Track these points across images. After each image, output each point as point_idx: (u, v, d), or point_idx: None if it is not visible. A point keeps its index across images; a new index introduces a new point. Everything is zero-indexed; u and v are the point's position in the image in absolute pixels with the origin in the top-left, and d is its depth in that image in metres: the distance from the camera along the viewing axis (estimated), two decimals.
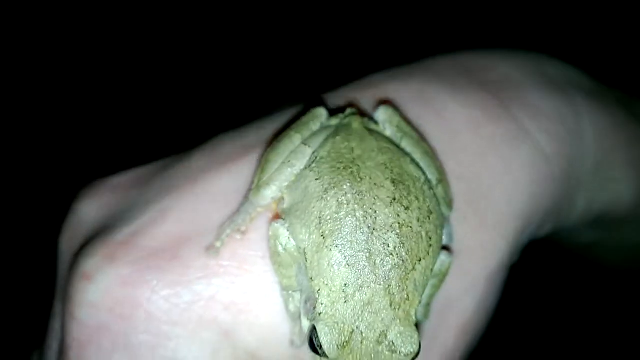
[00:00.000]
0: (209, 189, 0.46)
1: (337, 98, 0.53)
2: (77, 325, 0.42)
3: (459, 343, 0.49)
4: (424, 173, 0.45)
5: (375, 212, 0.39)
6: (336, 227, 0.38)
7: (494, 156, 0.52)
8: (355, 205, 0.39)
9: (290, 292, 0.42)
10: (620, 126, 0.60)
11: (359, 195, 0.39)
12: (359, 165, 0.41)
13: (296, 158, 0.44)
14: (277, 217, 0.43)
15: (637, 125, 0.63)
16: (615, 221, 0.65)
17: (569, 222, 0.62)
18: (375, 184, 0.40)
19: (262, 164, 0.45)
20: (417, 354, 0.38)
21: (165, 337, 0.41)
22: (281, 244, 0.41)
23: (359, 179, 0.40)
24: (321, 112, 0.47)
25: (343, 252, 0.38)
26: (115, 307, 0.41)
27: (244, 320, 0.42)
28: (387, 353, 0.38)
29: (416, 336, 0.38)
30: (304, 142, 0.44)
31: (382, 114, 0.48)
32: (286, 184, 0.43)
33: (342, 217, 0.39)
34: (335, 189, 0.40)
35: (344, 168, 0.41)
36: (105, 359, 0.41)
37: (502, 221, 0.51)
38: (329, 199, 0.39)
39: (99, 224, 0.48)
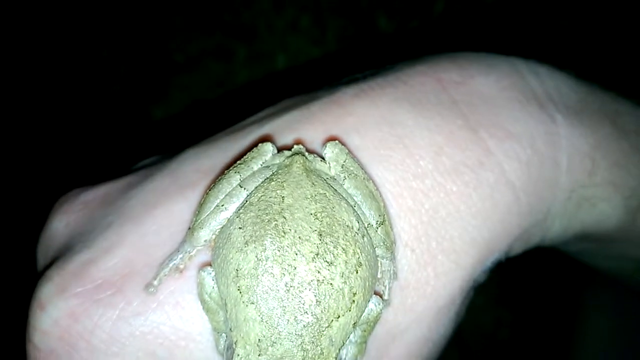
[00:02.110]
0: (163, 218, 0.48)
1: (297, 121, 0.53)
2: (33, 348, 0.46)
3: None
4: (360, 219, 0.45)
5: (295, 268, 0.40)
6: (252, 284, 0.39)
7: (453, 184, 0.51)
8: (274, 263, 0.40)
9: (219, 332, 0.44)
10: (606, 144, 0.57)
11: (279, 251, 0.40)
12: (285, 217, 0.41)
13: (230, 201, 0.44)
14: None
15: (627, 141, 0.59)
16: (603, 238, 0.63)
17: (546, 242, 0.60)
18: (299, 238, 0.41)
19: (199, 204, 0.46)
20: None
21: None
22: (206, 292, 0.42)
23: (282, 233, 0.41)
24: (267, 149, 0.47)
25: (258, 308, 0.39)
26: (63, 336, 0.45)
27: (179, 355, 0.45)
28: None
29: None
30: (241, 184, 0.45)
31: (329, 152, 0.47)
32: (218, 227, 0.44)
33: (259, 274, 0.39)
34: (256, 243, 0.40)
35: (268, 220, 0.41)
36: None
37: (457, 250, 0.50)
38: (248, 252, 0.40)
39: (65, 241, 0.51)
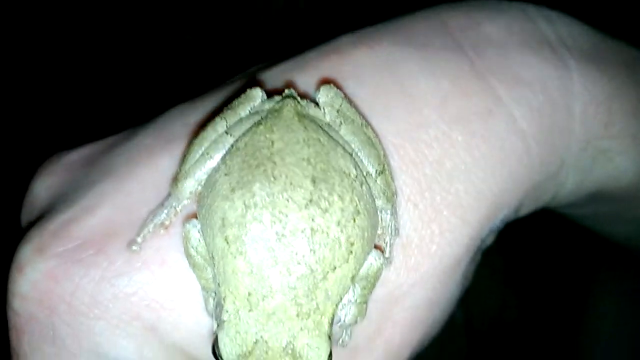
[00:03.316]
0: (148, 173, 0.45)
1: (290, 68, 0.50)
2: (13, 314, 0.44)
3: (407, 339, 0.47)
4: (358, 167, 0.41)
5: (287, 216, 0.36)
6: (240, 233, 0.36)
7: (459, 134, 0.47)
8: (263, 210, 0.36)
9: (208, 291, 0.41)
10: (622, 92, 0.53)
11: (268, 197, 0.37)
12: (275, 162, 0.38)
13: (216, 149, 0.41)
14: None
15: None
16: (620, 195, 0.59)
17: (558, 200, 0.57)
18: (291, 184, 0.37)
19: (183, 155, 0.43)
20: None
21: (89, 331, 0.42)
22: (192, 246, 0.39)
23: (272, 179, 0.37)
24: (256, 94, 0.44)
25: (247, 259, 0.36)
26: (43, 300, 0.42)
27: (167, 317, 0.42)
28: None
29: (325, 348, 0.36)
30: (227, 131, 0.42)
31: (323, 96, 0.44)
32: (205, 177, 0.41)
33: (247, 221, 0.36)
34: (243, 189, 0.37)
35: (256, 165, 0.38)
36: (36, 347, 0.43)
37: (464, 205, 0.47)
38: (235, 200, 0.37)
39: (47, 203, 0.49)
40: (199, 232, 0.39)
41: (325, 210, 0.37)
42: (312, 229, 0.36)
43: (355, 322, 0.43)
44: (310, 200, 0.37)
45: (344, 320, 0.43)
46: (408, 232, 0.45)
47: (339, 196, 0.38)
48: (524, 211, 0.55)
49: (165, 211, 0.42)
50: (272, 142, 0.39)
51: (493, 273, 1.25)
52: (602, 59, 0.54)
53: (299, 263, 0.36)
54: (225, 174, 0.38)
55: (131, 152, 0.47)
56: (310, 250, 0.36)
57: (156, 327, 0.42)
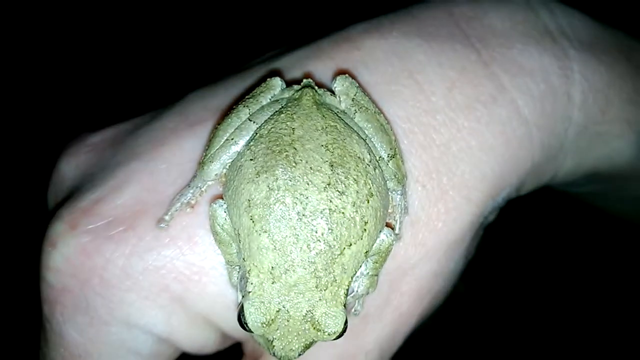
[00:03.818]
0: (173, 154, 0.47)
1: (306, 57, 0.52)
2: (46, 286, 0.46)
3: (414, 308, 0.51)
4: (371, 152, 0.44)
5: (307, 197, 0.39)
6: (265, 213, 0.39)
7: (465, 120, 0.50)
8: (286, 192, 0.39)
9: (232, 266, 0.44)
10: (620, 81, 0.56)
11: (290, 180, 0.40)
12: (295, 148, 0.41)
13: (240, 135, 0.44)
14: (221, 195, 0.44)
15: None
16: (616, 176, 0.63)
17: (558, 180, 0.60)
18: (310, 168, 0.40)
19: (209, 139, 0.46)
20: (341, 334, 0.40)
21: (120, 302, 0.45)
22: (219, 224, 0.42)
23: (293, 164, 0.40)
24: (276, 83, 0.47)
25: (271, 237, 0.39)
26: (76, 273, 0.45)
27: (193, 289, 0.45)
28: (312, 331, 0.40)
29: (341, 316, 0.40)
30: (250, 118, 0.44)
31: (339, 85, 0.47)
32: (229, 161, 0.44)
33: (271, 203, 0.39)
34: (267, 173, 0.40)
35: (279, 151, 0.41)
36: (69, 317, 0.46)
37: (468, 186, 0.50)
38: (259, 182, 0.40)
39: (74, 182, 0.51)
40: (224, 211, 0.42)
41: (342, 193, 0.40)
42: (330, 210, 0.40)
43: (367, 292, 0.47)
44: (329, 184, 0.40)
45: (357, 291, 0.46)
46: (416, 211, 0.48)
47: (355, 180, 0.41)
48: (525, 190, 0.58)
49: (192, 191, 0.45)
50: (293, 130, 0.42)
51: (492, 246, 1.28)
52: (601, 49, 0.56)
53: (318, 240, 0.39)
54: (251, 159, 0.41)
55: (156, 134, 0.49)
56: (329, 228, 0.39)
57: (183, 297, 0.46)
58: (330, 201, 0.40)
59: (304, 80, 0.46)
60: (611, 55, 0.57)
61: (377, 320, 0.50)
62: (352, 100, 0.46)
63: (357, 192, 0.41)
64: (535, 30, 0.55)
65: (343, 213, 0.40)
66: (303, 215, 0.39)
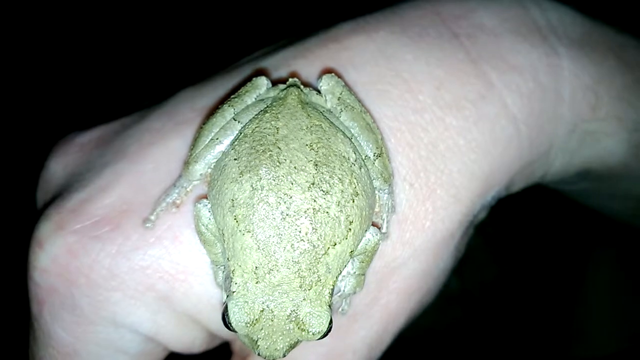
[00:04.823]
0: (160, 155, 0.48)
1: (293, 56, 0.52)
2: (34, 286, 0.47)
3: (402, 306, 0.51)
4: (357, 151, 0.44)
5: (291, 197, 0.39)
6: (248, 213, 0.39)
7: (453, 118, 0.50)
8: (269, 192, 0.39)
9: (217, 265, 0.44)
10: (609, 78, 0.56)
11: (274, 180, 0.40)
12: (279, 148, 0.41)
13: (224, 134, 0.44)
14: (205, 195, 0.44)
15: (632, 74, 0.58)
16: (608, 174, 0.63)
17: (549, 178, 0.60)
18: (295, 168, 0.40)
19: (194, 139, 0.46)
20: (325, 334, 0.40)
21: (107, 301, 0.45)
22: (203, 224, 0.42)
23: (277, 163, 0.40)
24: (261, 83, 0.46)
25: (254, 236, 0.39)
26: (62, 273, 0.45)
27: (179, 288, 0.46)
28: (297, 331, 0.40)
29: (325, 316, 0.40)
30: (235, 117, 0.44)
31: (324, 84, 0.47)
32: (214, 160, 0.44)
33: (255, 202, 0.39)
34: (251, 172, 0.40)
35: (263, 151, 0.41)
36: (57, 316, 0.46)
37: (456, 185, 0.50)
38: (243, 182, 0.40)
39: (63, 182, 0.51)
40: (209, 211, 0.42)
41: (327, 192, 0.40)
42: (314, 209, 0.39)
43: (354, 292, 0.47)
44: (313, 183, 0.40)
45: (344, 291, 0.46)
46: (404, 210, 0.48)
47: (339, 179, 0.41)
48: (516, 188, 0.58)
49: (177, 191, 0.45)
50: (277, 129, 0.42)
51: (488, 244, 1.28)
52: (592, 46, 0.56)
53: (302, 240, 0.39)
54: (235, 159, 0.41)
55: (143, 134, 0.49)
56: (313, 228, 0.39)
57: (169, 296, 0.46)
58: (315, 201, 0.40)
59: (290, 80, 0.46)
60: (601, 52, 0.56)
61: (365, 318, 0.50)
62: (338, 99, 0.46)
63: (342, 191, 0.41)
64: (525, 27, 0.55)
65: (327, 212, 0.40)
66: (287, 215, 0.39)
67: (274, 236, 0.39)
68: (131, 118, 0.53)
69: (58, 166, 0.53)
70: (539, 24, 0.56)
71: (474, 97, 0.51)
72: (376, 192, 0.46)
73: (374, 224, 0.46)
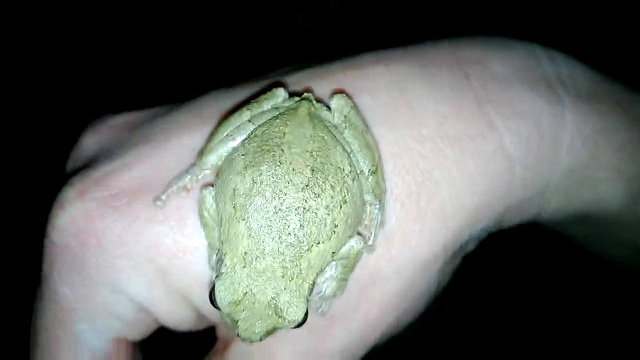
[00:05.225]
0: (180, 144, 0.53)
1: (314, 75, 0.56)
2: (49, 244, 0.51)
3: (381, 318, 0.54)
4: (352, 165, 0.48)
5: (285, 194, 0.44)
6: (246, 202, 0.44)
7: (451, 150, 0.53)
8: (267, 186, 0.44)
9: (213, 249, 0.48)
10: (613, 130, 0.59)
11: (273, 177, 0.44)
12: (282, 150, 0.45)
13: (238, 133, 0.49)
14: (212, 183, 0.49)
15: (637, 129, 0.60)
16: (606, 220, 0.65)
17: (544, 217, 0.62)
18: (293, 169, 0.45)
19: (211, 134, 0.51)
20: (300, 323, 0.44)
21: (111, 266, 0.50)
22: (205, 209, 0.47)
23: (278, 163, 0.45)
24: (279, 93, 0.51)
25: (248, 225, 0.43)
26: (77, 233, 0.50)
27: (176, 265, 0.50)
28: (274, 317, 0.43)
29: (302, 307, 0.43)
30: (250, 119, 0.49)
31: (335, 103, 0.51)
32: (225, 154, 0.49)
33: (253, 194, 0.44)
34: (254, 167, 0.45)
35: (267, 150, 0.45)
36: (65, 274, 0.51)
37: (446, 211, 0.53)
38: (246, 175, 0.44)
39: (92, 156, 0.57)
40: (212, 198, 0.47)
41: (318, 195, 0.44)
42: (304, 208, 0.44)
43: (334, 295, 0.50)
44: (307, 185, 0.44)
45: (325, 292, 0.50)
46: (392, 227, 0.52)
47: (331, 186, 0.45)
48: (507, 224, 0.61)
49: (189, 177, 0.50)
50: (284, 134, 0.46)
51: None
52: (597, 99, 0.59)
53: (289, 234, 0.43)
54: (242, 155, 0.46)
55: (169, 125, 0.55)
56: (300, 225, 0.43)
57: (167, 271, 0.50)
58: (306, 201, 0.44)
59: (305, 94, 0.51)
60: (607, 105, 0.59)
61: (344, 323, 0.53)
62: (344, 117, 0.50)
63: (332, 197, 0.45)
64: (534, 77, 0.58)
65: (315, 213, 0.44)
66: (279, 209, 0.43)
67: (264, 227, 0.43)
68: (162, 109, 0.59)
69: (90, 141, 0.59)
70: (549, 75, 0.59)
71: (475, 134, 0.54)
72: (367, 206, 0.50)
73: (361, 234, 0.49)
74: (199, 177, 0.50)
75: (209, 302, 0.46)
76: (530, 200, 0.58)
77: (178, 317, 0.53)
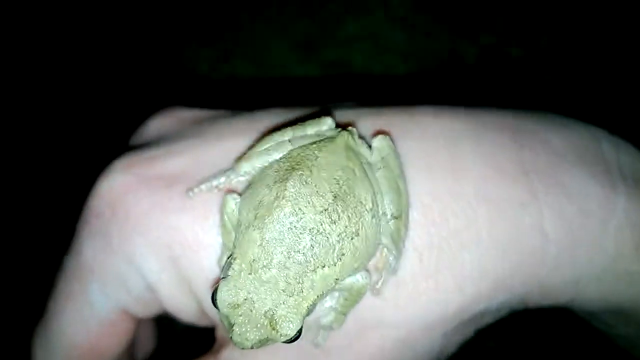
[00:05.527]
0: (226, 148, 0.56)
1: (366, 114, 0.57)
2: (86, 206, 0.56)
3: None
4: (376, 204, 0.49)
5: (304, 214, 0.45)
6: (265, 214, 0.46)
7: (486, 212, 0.52)
8: (288, 202, 0.46)
9: (225, 250, 0.51)
10: None
11: (296, 195, 0.46)
12: (311, 172, 0.47)
13: (276, 149, 0.51)
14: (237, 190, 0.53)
15: None
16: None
17: (578, 306, 0.59)
18: (317, 192, 0.46)
19: (252, 145, 0.54)
20: (292, 339, 0.44)
21: (132, 241, 0.53)
22: (226, 213, 0.50)
23: (304, 183, 0.46)
24: (325, 122, 0.53)
25: (262, 235, 0.45)
26: (111, 203, 0.54)
27: (189, 255, 0.53)
28: (268, 327, 0.44)
29: (297, 323, 0.44)
30: (290, 140, 0.52)
31: (377, 142, 0.52)
32: (259, 166, 0.51)
33: (274, 207, 0.46)
34: (281, 183, 0.47)
35: (297, 169, 0.47)
36: (91, 237, 0.55)
37: (465, 275, 0.51)
38: (272, 190, 0.47)
39: (151, 138, 0.62)
40: (235, 204, 0.49)
41: (334, 222, 0.46)
42: (317, 231, 0.45)
43: (331, 327, 0.51)
44: (326, 210, 0.46)
45: (323, 322, 0.51)
46: (405, 276, 0.51)
47: (348, 217, 0.46)
48: (533, 304, 0.57)
49: (223, 178, 0.53)
50: (317, 158, 0.48)
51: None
52: None
53: (298, 251, 0.45)
54: (275, 172, 0.49)
55: (223, 129, 0.58)
56: (311, 245, 0.45)
57: (179, 259, 0.53)
58: (321, 224, 0.45)
59: (349, 127, 0.53)
60: None
61: (336, 357, 0.53)
62: (382, 159, 0.52)
63: (346, 227, 0.46)
64: (591, 157, 0.56)
65: (327, 238, 0.45)
66: (295, 226, 0.45)
67: (277, 239, 0.45)
68: (224, 113, 0.63)
69: (154, 125, 0.64)
70: (607, 158, 0.56)
71: (513, 202, 0.52)
72: (384, 249, 0.50)
73: (369, 272, 0.50)
74: (232, 180, 0.53)
75: (210, 299, 0.47)
76: (562, 286, 0.55)
77: (180, 306, 0.55)
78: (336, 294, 0.50)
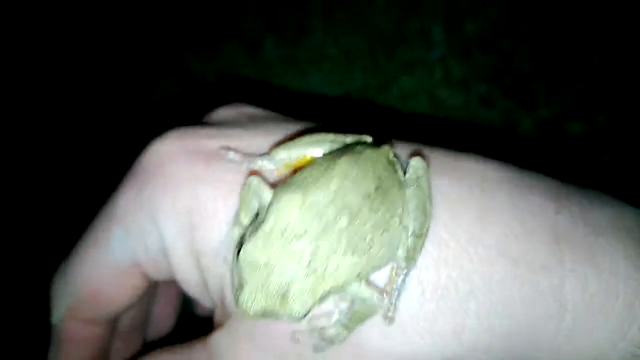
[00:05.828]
0: (271, 141, 0.58)
1: (400, 143, 0.57)
2: (137, 162, 0.58)
3: None
4: (405, 212, 0.48)
5: (349, 192, 0.45)
6: (310, 182, 0.45)
7: (503, 267, 0.49)
8: (334, 178, 0.45)
9: (236, 225, 0.50)
10: None
11: (342, 173, 0.46)
12: (359, 158, 0.48)
13: (316, 145, 0.53)
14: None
15: None
16: None
17: None
18: (363, 177, 0.46)
19: (293, 139, 0.55)
20: (299, 318, 0.42)
21: (159, 200, 0.55)
22: (248, 191, 0.50)
23: (353, 165, 0.47)
24: (367, 138, 0.55)
25: (304, 197, 0.44)
26: (153, 163, 0.57)
27: (205, 224, 0.53)
28: (278, 301, 0.42)
29: (307, 305, 0.41)
30: (331, 141, 0.53)
31: (413, 161, 0.52)
32: (296, 156, 0.53)
33: (320, 179, 0.45)
34: (331, 162, 0.47)
35: (347, 154, 0.48)
36: (128, 190, 0.57)
37: (466, 324, 0.48)
38: (322, 166, 0.47)
39: (213, 121, 0.65)
40: (261, 185, 0.49)
41: (372, 210, 0.45)
42: (356, 213, 0.45)
43: (333, 342, 0.48)
44: (368, 196, 0.45)
45: (327, 332, 0.48)
46: (403, 307, 0.48)
47: (384, 210, 0.46)
48: None
49: (257, 162, 0.54)
50: (362, 153, 0.49)
51: None
52: None
53: (333, 229, 0.43)
54: (322, 160, 0.49)
55: (274, 128, 0.60)
56: (347, 226, 0.44)
57: (195, 228, 0.53)
58: (360, 209, 0.45)
59: (383, 145, 0.53)
60: None
61: None
62: (415, 179, 0.51)
63: (380, 219, 0.46)
64: (629, 238, 0.53)
65: (364, 224, 0.44)
66: (337, 202, 0.44)
67: (317, 209, 0.44)
68: (279, 116, 0.66)
69: (222, 114, 0.66)
70: None
71: (537, 263, 0.50)
72: (395, 266, 0.48)
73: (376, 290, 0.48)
74: (263, 165, 0.54)
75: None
76: (575, 357, 0.51)
77: (186, 276, 0.56)
78: (345, 305, 0.48)
